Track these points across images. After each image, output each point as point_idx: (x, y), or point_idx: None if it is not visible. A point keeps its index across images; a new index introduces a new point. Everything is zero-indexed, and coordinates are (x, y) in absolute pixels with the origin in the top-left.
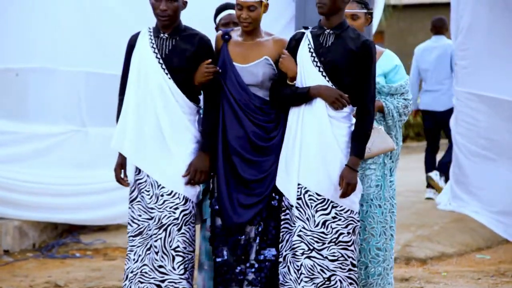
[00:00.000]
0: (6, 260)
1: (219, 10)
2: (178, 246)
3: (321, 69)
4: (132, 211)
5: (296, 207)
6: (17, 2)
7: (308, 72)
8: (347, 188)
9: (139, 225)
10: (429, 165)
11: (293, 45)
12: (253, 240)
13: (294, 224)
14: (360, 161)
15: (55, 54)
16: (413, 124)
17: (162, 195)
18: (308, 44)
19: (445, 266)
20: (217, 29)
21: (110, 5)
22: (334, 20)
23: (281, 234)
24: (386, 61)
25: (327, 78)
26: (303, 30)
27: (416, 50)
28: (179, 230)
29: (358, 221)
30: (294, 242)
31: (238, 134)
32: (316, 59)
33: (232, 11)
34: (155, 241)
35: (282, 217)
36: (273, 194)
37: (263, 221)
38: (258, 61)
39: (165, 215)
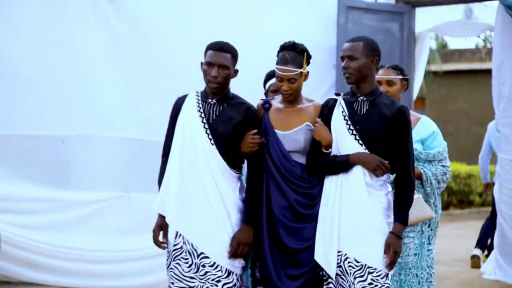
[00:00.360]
0: None
1: (269, 77)
2: None
3: (357, 137)
4: (169, 278)
5: (339, 275)
6: (60, 71)
7: (344, 140)
8: (394, 256)
9: None
10: (484, 239)
11: (326, 112)
12: None
13: None
14: (404, 228)
15: (97, 121)
16: (456, 191)
17: (203, 266)
18: (342, 112)
19: None
20: (266, 94)
21: (148, 71)
22: (366, 87)
23: None
24: (423, 127)
25: (363, 146)
26: (335, 97)
27: (489, 125)
28: None
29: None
30: None
31: (281, 203)
32: (351, 127)
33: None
34: None
35: (325, 286)
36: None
37: None
38: (299, 128)
39: (207, 287)
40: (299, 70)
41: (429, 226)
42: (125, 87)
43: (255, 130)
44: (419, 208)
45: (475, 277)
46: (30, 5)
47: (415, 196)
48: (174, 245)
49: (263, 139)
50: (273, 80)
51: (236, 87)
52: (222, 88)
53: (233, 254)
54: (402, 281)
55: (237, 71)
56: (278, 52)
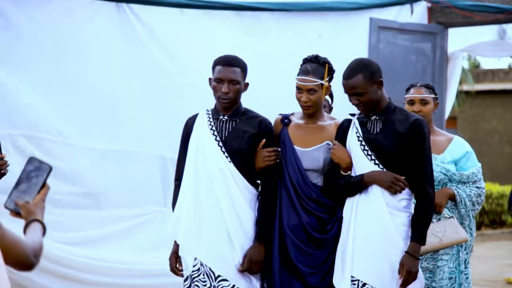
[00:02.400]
0: None
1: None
2: None
3: (373, 157)
4: None
5: None
6: (100, 85)
7: (360, 161)
8: (407, 276)
9: None
10: None
11: (342, 134)
12: None
13: None
14: (420, 248)
15: (134, 137)
16: (488, 211)
17: None
18: (356, 133)
19: None
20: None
21: (181, 92)
22: (378, 107)
23: None
24: (457, 147)
25: (380, 166)
26: (350, 117)
27: None
28: None
29: None
30: None
31: (294, 222)
32: (366, 148)
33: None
34: None
35: None
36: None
37: None
38: (319, 146)
39: None
40: (320, 81)
41: (465, 249)
42: (161, 107)
43: (264, 141)
44: (453, 230)
45: None
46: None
47: (450, 217)
48: (193, 266)
49: (279, 150)
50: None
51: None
52: (233, 103)
53: (244, 271)
54: None
55: (247, 84)
56: (301, 65)
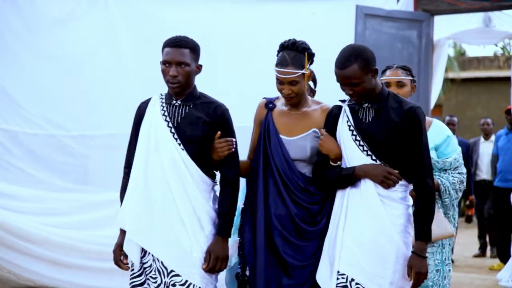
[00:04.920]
0: None
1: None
2: None
3: (365, 148)
4: None
5: None
6: (86, 71)
7: (351, 151)
8: (418, 278)
9: None
10: None
11: (331, 122)
12: None
13: None
14: (427, 245)
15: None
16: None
17: (174, 285)
18: (348, 121)
19: None
20: None
21: None
22: (371, 93)
23: None
24: (437, 132)
25: (373, 157)
26: (340, 104)
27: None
28: None
29: None
30: None
31: (281, 213)
32: (358, 138)
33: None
34: None
35: None
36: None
37: None
38: (305, 134)
39: None
40: (300, 72)
41: (449, 240)
42: (153, 88)
43: (219, 133)
44: (438, 224)
45: (491, 284)
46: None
47: (435, 211)
48: (144, 262)
49: (234, 141)
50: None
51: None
52: (184, 87)
53: (209, 270)
54: None
55: (200, 66)
56: (278, 52)
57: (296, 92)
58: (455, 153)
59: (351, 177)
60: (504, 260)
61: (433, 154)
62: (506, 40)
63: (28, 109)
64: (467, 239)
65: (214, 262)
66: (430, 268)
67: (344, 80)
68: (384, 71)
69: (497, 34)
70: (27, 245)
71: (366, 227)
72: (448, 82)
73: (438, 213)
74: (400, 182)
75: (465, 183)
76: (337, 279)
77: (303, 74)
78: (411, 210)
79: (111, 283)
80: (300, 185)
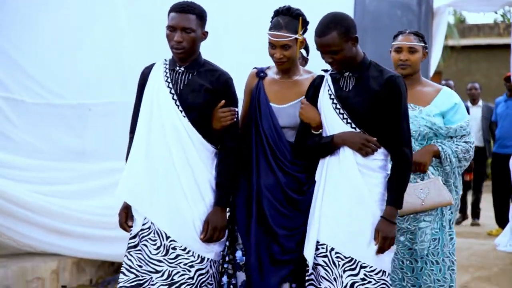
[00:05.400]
0: None
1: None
2: None
3: (345, 116)
4: (129, 259)
5: (323, 266)
6: (88, 39)
7: (332, 120)
8: (384, 242)
9: (137, 276)
10: None
11: (313, 91)
12: None
13: (320, 285)
14: (397, 212)
15: (125, 89)
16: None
17: (174, 248)
18: (328, 90)
19: None
20: None
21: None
22: (352, 61)
23: None
24: (444, 99)
25: (353, 125)
26: (323, 73)
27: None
28: None
29: (391, 285)
30: None
31: (270, 182)
32: (338, 106)
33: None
34: None
35: (307, 278)
36: None
37: (297, 279)
38: (295, 102)
39: (178, 272)
40: (294, 36)
41: (449, 208)
42: (153, 57)
43: (223, 102)
44: (436, 192)
45: (489, 249)
46: None
47: (434, 178)
48: (142, 225)
49: (236, 110)
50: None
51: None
52: (189, 53)
53: (206, 240)
54: (418, 268)
55: (206, 33)
56: (272, 18)
57: (287, 57)
58: (462, 121)
59: (330, 145)
60: (502, 226)
61: (439, 120)
62: (506, 7)
63: (28, 77)
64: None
65: (211, 232)
66: (426, 238)
67: (323, 48)
68: (396, 36)
69: (497, 1)
70: (26, 213)
71: (344, 196)
72: (448, 50)
73: (437, 181)
74: (379, 151)
75: (471, 153)
76: (318, 249)
77: (296, 39)
78: None
79: (110, 250)
80: (288, 154)
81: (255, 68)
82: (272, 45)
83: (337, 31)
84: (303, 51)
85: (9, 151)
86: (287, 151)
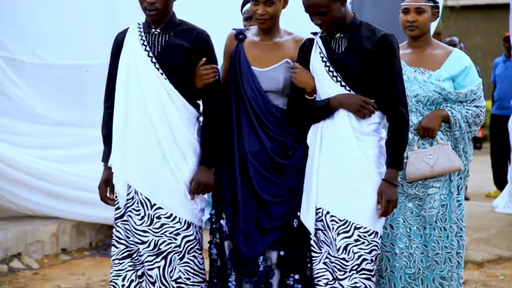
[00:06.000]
0: (64, 259)
1: (245, 2)
2: (179, 277)
3: (339, 79)
4: (118, 231)
5: (322, 230)
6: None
7: (324, 83)
8: (388, 206)
9: (127, 247)
10: None
11: (303, 55)
12: (276, 267)
13: (320, 249)
14: (398, 173)
15: None
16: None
17: (159, 217)
18: (320, 53)
19: (502, 270)
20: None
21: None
22: (342, 22)
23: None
24: (455, 62)
25: (347, 88)
26: (312, 37)
27: None
28: (181, 259)
29: (380, 248)
30: (318, 271)
31: (255, 148)
32: (331, 69)
33: None
34: (150, 269)
35: (312, 243)
36: (297, 214)
37: (285, 246)
38: (278, 65)
39: (164, 241)
40: None
41: (458, 174)
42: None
43: (204, 59)
44: (446, 158)
45: (488, 211)
46: None
47: (444, 143)
48: (127, 194)
49: (218, 68)
50: (248, 6)
51: None
52: (162, 14)
53: (192, 193)
54: (427, 235)
55: None
56: None
57: (270, 14)
58: (473, 84)
59: (326, 108)
60: (501, 187)
61: (449, 84)
62: None
63: (24, 37)
64: None
65: (195, 186)
66: (435, 204)
67: (311, 9)
68: None
69: None
70: (26, 177)
71: (340, 160)
72: (447, 10)
73: (447, 146)
74: (375, 114)
75: (482, 117)
76: (315, 213)
77: None
78: (383, 142)
79: (110, 213)
80: (273, 118)
81: (233, 29)
82: (255, 1)
83: None
84: None
85: (10, 115)
86: (273, 114)
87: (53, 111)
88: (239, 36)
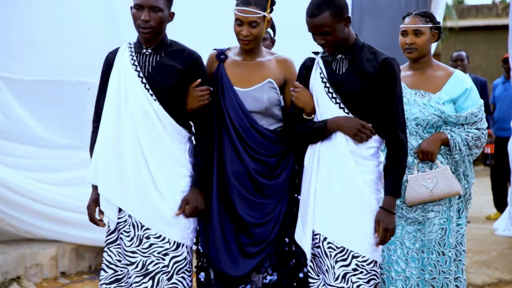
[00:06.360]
0: (63, 282)
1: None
2: None
3: (338, 101)
4: (109, 255)
5: (316, 256)
6: (92, 19)
7: (324, 105)
8: (385, 234)
9: (116, 271)
10: None
11: (304, 74)
12: None
13: (318, 276)
14: (395, 201)
15: None
16: None
17: (148, 237)
18: (320, 73)
19: None
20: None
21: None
22: (344, 43)
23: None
24: (455, 84)
25: (346, 110)
26: (313, 56)
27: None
28: (169, 279)
29: (379, 276)
30: None
31: (237, 169)
32: (330, 90)
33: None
34: None
35: (305, 270)
36: (285, 239)
37: (275, 270)
38: (261, 85)
39: (152, 261)
40: (262, 13)
41: (459, 197)
42: None
43: (199, 80)
44: (445, 182)
45: (488, 234)
46: None
47: (443, 167)
48: (119, 218)
49: (212, 89)
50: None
51: None
52: (156, 34)
53: (181, 213)
54: (424, 259)
55: (173, 14)
56: None
57: (254, 36)
58: (474, 107)
59: (323, 130)
60: (501, 210)
61: (450, 107)
62: None
63: (29, 54)
64: None
65: (190, 211)
66: (434, 228)
67: (315, 29)
68: (403, 18)
69: None
70: (25, 200)
71: (337, 183)
72: (446, 31)
73: (446, 170)
74: (373, 138)
75: (483, 140)
76: (312, 239)
77: (264, 17)
78: (382, 167)
79: None
80: (257, 138)
81: (214, 49)
82: (239, 22)
83: (329, 11)
84: (270, 32)
85: (8, 137)
86: (256, 135)
87: (52, 132)
88: (220, 56)
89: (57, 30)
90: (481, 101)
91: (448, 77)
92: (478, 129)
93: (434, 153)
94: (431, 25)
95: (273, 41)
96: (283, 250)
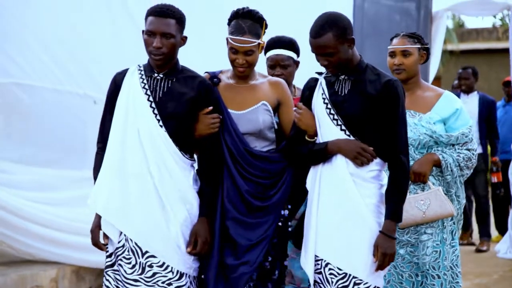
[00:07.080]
0: None
1: (268, 47)
2: None
3: (339, 122)
4: (108, 280)
5: (319, 283)
6: (100, 32)
7: (325, 126)
8: (383, 259)
9: None
10: None
11: (307, 95)
12: None
13: None
14: (396, 226)
15: None
16: None
17: (151, 266)
18: (322, 94)
19: None
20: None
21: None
22: (348, 64)
23: None
24: (445, 105)
25: (347, 132)
26: (316, 76)
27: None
28: None
29: None
30: None
31: (231, 192)
32: (332, 111)
33: (281, 51)
34: None
35: None
36: (268, 257)
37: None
38: (255, 107)
39: None
40: (257, 41)
41: (451, 219)
42: None
43: (210, 108)
44: (438, 203)
45: (489, 256)
46: None
47: (436, 189)
48: (118, 243)
49: (221, 117)
50: (271, 53)
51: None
52: (168, 60)
53: (195, 254)
54: (419, 283)
55: (185, 38)
56: (230, 19)
57: (250, 63)
58: (464, 127)
59: (324, 153)
60: (502, 232)
61: (440, 127)
62: (505, 11)
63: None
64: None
65: (202, 246)
66: (428, 251)
67: (318, 50)
68: (391, 39)
69: (495, 5)
70: (24, 222)
71: (338, 207)
72: (447, 54)
73: (439, 192)
74: (374, 161)
75: (474, 161)
76: (315, 264)
77: (259, 44)
78: (384, 190)
79: None
80: (251, 160)
81: (206, 72)
82: (234, 51)
83: (332, 32)
84: (293, 55)
85: (7, 157)
86: (250, 157)
87: (53, 152)
88: (213, 80)
89: (71, 42)
90: (471, 121)
91: (438, 98)
92: (468, 149)
93: (426, 174)
94: (419, 46)
95: (297, 63)
96: (264, 268)
